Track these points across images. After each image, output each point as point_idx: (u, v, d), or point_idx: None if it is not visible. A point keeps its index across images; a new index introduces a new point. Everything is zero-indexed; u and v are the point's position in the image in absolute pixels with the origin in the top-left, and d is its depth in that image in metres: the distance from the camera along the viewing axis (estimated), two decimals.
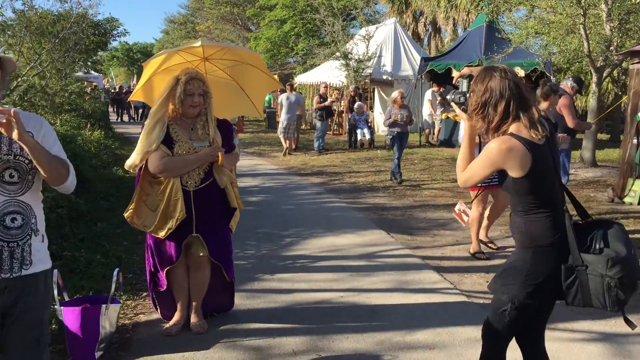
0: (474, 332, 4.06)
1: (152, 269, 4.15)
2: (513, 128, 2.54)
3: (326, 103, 16.34)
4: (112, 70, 60.58)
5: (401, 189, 9.81)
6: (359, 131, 15.88)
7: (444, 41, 28.15)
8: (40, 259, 2.43)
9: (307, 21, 31.51)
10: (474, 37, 16.10)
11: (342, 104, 18.96)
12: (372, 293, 4.89)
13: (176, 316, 4.14)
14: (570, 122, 7.15)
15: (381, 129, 19.81)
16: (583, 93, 15.93)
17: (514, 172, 2.52)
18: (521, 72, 14.69)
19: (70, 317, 3.60)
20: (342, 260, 5.82)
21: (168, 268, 4.02)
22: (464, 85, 3.26)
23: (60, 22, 16.40)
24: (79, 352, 3.60)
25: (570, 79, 7.59)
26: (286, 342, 3.91)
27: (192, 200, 3.91)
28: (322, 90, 17.03)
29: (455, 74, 15.55)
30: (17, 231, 2.33)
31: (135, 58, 71.05)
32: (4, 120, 2.14)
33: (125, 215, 4.00)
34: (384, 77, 19.75)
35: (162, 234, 3.91)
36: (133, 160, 3.90)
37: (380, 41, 20.45)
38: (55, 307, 3.73)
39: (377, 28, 21.22)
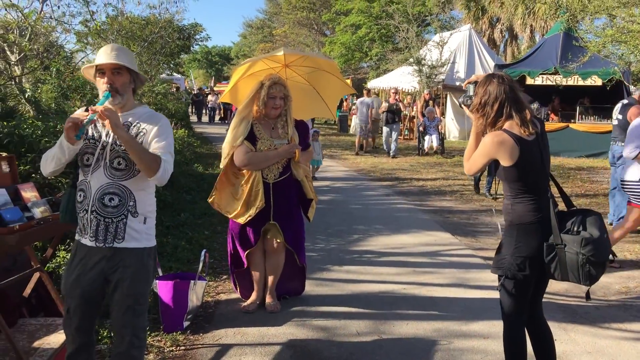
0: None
1: (233, 251, 4.64)
2: (506, 125, 2.99)
3: (382, 108, 15.87)
4: (191, 72, 63.00)
5: (468, 194, 9.99)
6: (427, 137, 15.62)
7: (520, 48, 27.73)
8: (135, 237, 2.77)
9: (381, 27, 31.81)
10: (551, 44, 15.95)
11: (413, 108, 19.11)
12: (433, 287, 5.20)
13: (253, 296, 4.61)
14: None
15: (452, 135, 19.90)
16: None
17: (504, 162, 2.97)
18: (598, 81, 14.45)
19: (164, 289, 4.13)
20: (406, 257, 6.14)
21: (248, 251, 4.48)
22: (470, 90, 3.53)
23: (148, 26, 17.49)
24: (170, 320, 4.12)
25: None
26: (350, 324, 4.29)
27: (271, 191, 4.37)
28: (391, 98, 16.08)
29: (529, 81, 15.47)
30: (113, 210, 2.76)
31: (214, 61, 73.52)
32: (99, 115, 2.58)
33: (209, 200, 4.51)
34: (457, 83, 19.77)
35: (242, 220, 4.37)
36: (223, 156, 4.42)
37: (454, 47, 20.52)
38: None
39: (451, 34, 21.28)
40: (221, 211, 4.49)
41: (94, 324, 2.94)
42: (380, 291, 5.08)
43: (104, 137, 2.76)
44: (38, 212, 3.41)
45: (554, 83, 15.63)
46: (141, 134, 2.78)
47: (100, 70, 2.77)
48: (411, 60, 20.36)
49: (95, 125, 2.81)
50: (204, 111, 30.28)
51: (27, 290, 3.85)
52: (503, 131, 2.97)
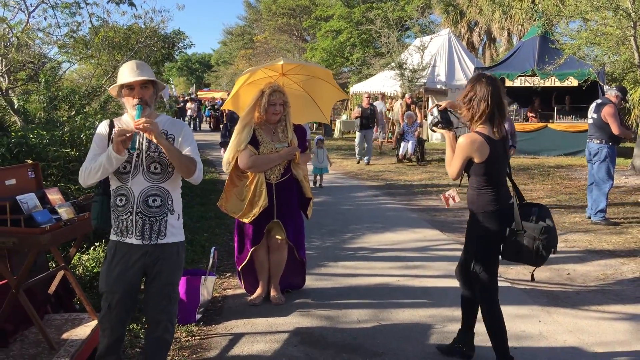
0: (515, 310, 4.68)
1: (239, 250, 4.93)
2: (480, 127, 3.50)
3: (354, 113, 15.28)
4: (172, 80, 62.97)
5: None
6: (402, 144, 14.94)
7: (498, 50, 28.36)
8: (173, 232, 3.11)
9: (362, 32, 32.27)
10: (528, 47, 16.46)
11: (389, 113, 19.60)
12: (425, 278, 5.55)
13: (258, 290, 4.91)
14: (615, 130, 7.59)
15: (434, 137, 20.35)
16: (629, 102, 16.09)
17: (476, 159, 3.48)
18: (574, 82, 14.98)
19: None
20: (398, 252, 6.50)
21: (253, 249, 4.79)
22: (434, 112, 3.96)
23: (132, 36, 17.69)
24: (184, 313, 4.41)
25: (615, 88, 8.02)
26: (351, 313, 4.62)
27: (274, 191, 4.69)
28: (364, 103, 15.13)
29: (508, 83, 15.97)
30: (157, 210, 3.08)
31: (194, 68, 73.58)
32: (142, 127, 2.90)
33: (218, 203, 4.80)
34: (438, 86, 20.27)
35: (247, 219, 4.68)
36: (227, 157, 4.70)
37: (434, 51, 21.00)
38: None
39: (431, 38, 21.77)
40: (228, 212, 4.77)
41: (130, 316, 3.23)
42: (376, 283, 5.42)
43: (137, 145, 3.06)
44: (64, 213, 3.69)
45: (532, 85, 16.15)
46: (170, 139, 3.09)
47: (129, 87, 3.06)
48: (393, 64, 20.79)
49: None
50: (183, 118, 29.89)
51: (52, 288, 4.13)
52: (476, 133, 3.48)
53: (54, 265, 4.92)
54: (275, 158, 4.68)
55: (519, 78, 16.01)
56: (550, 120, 16.32)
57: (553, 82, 15.69)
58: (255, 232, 4.77)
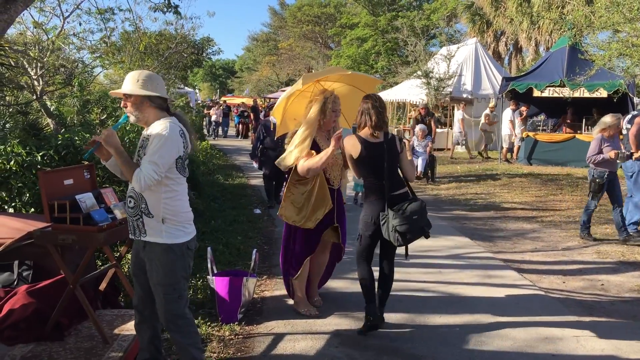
0: (550, 318, 4.74)
1: (292, 257, 4.85)
2: (362, 132, 4.34)
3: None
4: (197, 85, 63.63)
5: (481, 202, 10.42)
6: (413, 159, 12.57)
7: (525, 60, 28.26)
8: (153, 234, 3.21)
9: (387, 40, 32.41)
10: (557, 58, 16.40)
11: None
12: (459, 285, 5.62)
13: (304, 296, 4.95)
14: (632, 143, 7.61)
15: (459, 147, 20.33)
16: None
17: (352, 155, 4.30)
18: (604, 93, 14.91)
19: (220, 284, 4.56)
20: (430, 259, 6.57)
21: (310, 257, 4.81)
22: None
23: (163, 42, 18.03)
24: (226, 313, 4.55)
25: None
26: (388, 317, 4.70)
27: (335, 195, 4.78)
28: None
29: (536, 93, 15.95)
30: (131, 210, 3.31)
31: (218, 74, 74.30)
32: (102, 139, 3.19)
33: (278, 213, 4.82)
34: (464, 95, 20.25)
35: (311, 225, 4.68)
36: (287, 161, 4.65)
37: (461, 60, 21.00)
38: (208, 277, 4.73)
39: (458, 47, 21.78)
40: (288, 221, 4.74)
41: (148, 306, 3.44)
42: (411, 288, 5.50)
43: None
44: (119, 213, 3.85)
45: (561, 95, 16.09)
46: (145, 143, 3.24)
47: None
48: (419, 73, 20.84)
49: None
50: (211, 126, 28.36)
51: (103, 285, 4.30)
52: (355, 135, 4.33)
53: (100, 264, 5.11)
54: (324, 154, 4.56)
55: (548, 88, 15.96)
56: (579, 131, 16.24)
57: (582, 93, 15.62)
58: (314, 239, 4.77)
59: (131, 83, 3.25)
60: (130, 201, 3.30)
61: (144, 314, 3.46)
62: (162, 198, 3.22)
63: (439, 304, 5.10)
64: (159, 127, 3.20)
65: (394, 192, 4.28)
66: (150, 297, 3.37)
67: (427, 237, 4.34)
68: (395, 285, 5.49)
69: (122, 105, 3.31)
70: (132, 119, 3.30)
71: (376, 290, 4.53)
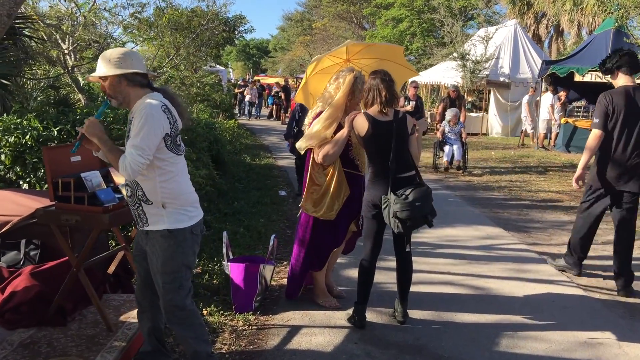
0: (591, 321, 4.38)
1: (313, 252, 4.46)
2: (371, 109, 4.03)
3: (407, 108, 10.97)
4: (230, 64, 63.56)
5: (516, 190, 9.98)
6: (447, 148, 11.89)
7: (566, 44, 27.26)
8: (155, 221, 2.95)
9: (423, 21, 31.64)
10: (600, 41, 15.63)
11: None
12: (490, 279, 5.28)
13: (325, 288, 4.67)
14: None
15: (494, 131, 19.75)
16: None
17: (359, 133, 4.01)
18: None
19: (235, 271, 4.32)
20: (460, 250, 6.23)
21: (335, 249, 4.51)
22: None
23: (195, 18, 17.81)
24: (241, 301, 4.31)
25: None
26: (412, 312, 4.39)
27: (362, 183, 4.43)
28: (410, 92, 11.96)
29: (577, 78, 15.26)
30: (130, 199, 3.05)
31: (251, 53, 74.10)
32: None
33: (300, 205, 4.49)
34: (501, 79, 19.61)
35: (333, 215, 4.33)
36: (307, 144, 4.27)
37: (499, 42, 20.32)
38: (223, 263, 4.49)
39: (496, 29, 21.08)
40: (309, 213, 4.39)
41: (152, 294, 3.21)
42: (437, 281, 5.18)
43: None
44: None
45: (604, 81, 15.35)
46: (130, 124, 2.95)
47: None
48: (455, 55, 20.23)
49: None
50: (242, 105, 27.31)
51: (112, 268, 4.09)
52: (362, 113, 4.05)
53: (113, 245, 4.91)
54: (340, 135, 4.21)
55: (590, 73, 15.25)
56: None
57: None
58: (342, 229, 4.45)
59: (104, 64, 2.95)
60: (127, 190, 3.05)
61: (143, 304, 3.25)
62: (157, 182, 2.93)
63: (467, 299, 4.77)
64: (139, 106, 2.91)
65: (399, 175, 3.96)
66: (149, 287, 3.15)
67: (430, 225, 3.99)
68: (420, 276, 5.21)
69: (101, 88, 3.03)
70: (114, 102, 3.01)
71: (396, 283, 4.29)
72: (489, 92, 20.20)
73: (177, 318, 3.03)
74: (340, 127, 4.24)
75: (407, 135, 4.07)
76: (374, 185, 4.05)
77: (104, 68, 2.95)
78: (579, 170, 5.22)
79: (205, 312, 4.23)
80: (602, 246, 6.58)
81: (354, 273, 5.20)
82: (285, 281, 5.04)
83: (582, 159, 5.16)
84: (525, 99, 16.86)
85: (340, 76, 4.32)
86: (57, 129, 5.47)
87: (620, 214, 5.17)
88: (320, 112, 4.31)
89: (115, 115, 6.12)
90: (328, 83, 4.43)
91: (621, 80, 5.04)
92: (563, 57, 17.96)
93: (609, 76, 5.21)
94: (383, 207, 3.93)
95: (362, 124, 4.00)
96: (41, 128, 5.44)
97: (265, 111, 28.95)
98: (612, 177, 5.06)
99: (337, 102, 4.23)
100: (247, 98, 26.27)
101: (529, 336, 4.06)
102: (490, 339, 4.01)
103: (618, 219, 5.19)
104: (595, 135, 5.02)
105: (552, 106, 15.99)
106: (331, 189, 4.31)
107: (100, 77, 2.97)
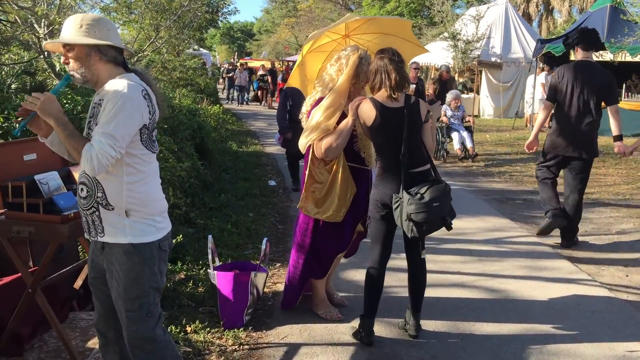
0: (621, 326, 3.91)
1: (312, 258, 3.90)
2: (378, 94, 3.48)
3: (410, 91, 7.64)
4: (214, 47, 62.46)
5: (517, 175, 9.51)
6: (455, 135, 10.80)
7: (557, 23, 26.78)
8: (114, 232, 2.41)
9: (410, 0, 30.96)
10: (596, 18, 15.13)
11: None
12: (504, 279, 4.79)
13: (325, 296, 4.10)
14: None
15: (486, 113, 19.27)
16: None
17: (366, 122, 3.46)
18: None
19: (223, 281, 3.77)
20: (467, 245, 5.74)
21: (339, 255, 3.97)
22: None
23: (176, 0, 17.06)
24: (230, 315, 3.77)
25: None
26: (426, 323, 3.87)
27: (369, 178, 3.85)
28: (411, 74, 10.13)
29: (573, 57, 14.77)
30: (84, 201, 2.45)
31: (236, 36, 72.93)
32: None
33: (298, 205, 3.87)
34: (493, 59, 19.09)
35: (340, 217, 3.76)
36: (308, 139, 3.67)
37: (490, 22, 19.76)
38: (209, 271, 3.94)
39: (488, 8, 20.50)
40: (310, 215, 3.80)
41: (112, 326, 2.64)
42: (449, 283, 4.69)
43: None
44: None
45: (601, 59, 14.89)
46: (98, 113, 2.39)
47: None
48: (446, 34, 19.66)
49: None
50: (231, 91, 25.73)
51: (79, 282, 3.54)
52: (370, 99, 3.48)
53: (85, 251, 4.34)
54: (344, 124, 3.59)
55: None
56: (618, 98, 15.09)
57: (624, 56, 14.43)
58: (347, 232, 3.88)
59: (72, 30, 2.38)
60: (82, 189, 2.45)
61: (107, 335, 2.64)
62: (124, 183, 2.38)
63: (484, 305, 4.27)
64: (114, 87, 2.34)
65: (412, 170, 3.42)
66: (112, 314, 2.55)
67: (448, 228, 3.46)
68: (429, 278, 4.60)
69: (62, 61, 2.43)
70: (77, 78, 2.42)
71: (408, 292, 3.74)
72: (480, 73, 19.68)
73: (145, 352, 2.46)
74: (343, 115, 3.66)
75: (421, 123, 3.52)
76: (383, 182, 3.51)
77: (71, 34, 2.37)
78: (530, 138, 5.85)
79: (189, 328, 3.69)
80: (617, 236, 6.13)
81: (355, 276, 4.72)
82: (279, 287, 4.52)
83: (534, 128, 5.92)
84: (542, 77, 15.43)
85: (342, 56, 3.70)
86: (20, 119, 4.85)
87: (572, 178, 5.64)
88: (320, 99, 3.70)
89: (86, 104, 5.50)
90: (328, 64, 3.84)
91: (579, 55, 5.57)
92: (558, 36, 17.46)
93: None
94: (394, 207, 3.40)
95: (368, 112, 3.44)
96: (1, 119, 4.81)
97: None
98: (562, 144, 5.55)
99: (339, 87, 3.63)
100: (237, 81, 24.59)
101: (560, 351, 3.57)
102: (517, 355, 3.51)
103: (569, 182, 5.66)
104: (544, 105, 5.82)
105: (543, 85, 15.42)
106: (337, 187, 3.71)
107: (64, 45, 2.39)
